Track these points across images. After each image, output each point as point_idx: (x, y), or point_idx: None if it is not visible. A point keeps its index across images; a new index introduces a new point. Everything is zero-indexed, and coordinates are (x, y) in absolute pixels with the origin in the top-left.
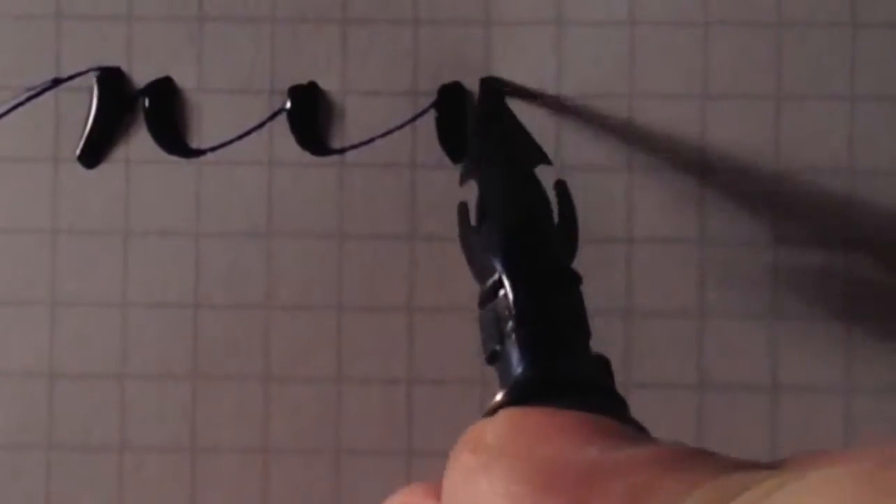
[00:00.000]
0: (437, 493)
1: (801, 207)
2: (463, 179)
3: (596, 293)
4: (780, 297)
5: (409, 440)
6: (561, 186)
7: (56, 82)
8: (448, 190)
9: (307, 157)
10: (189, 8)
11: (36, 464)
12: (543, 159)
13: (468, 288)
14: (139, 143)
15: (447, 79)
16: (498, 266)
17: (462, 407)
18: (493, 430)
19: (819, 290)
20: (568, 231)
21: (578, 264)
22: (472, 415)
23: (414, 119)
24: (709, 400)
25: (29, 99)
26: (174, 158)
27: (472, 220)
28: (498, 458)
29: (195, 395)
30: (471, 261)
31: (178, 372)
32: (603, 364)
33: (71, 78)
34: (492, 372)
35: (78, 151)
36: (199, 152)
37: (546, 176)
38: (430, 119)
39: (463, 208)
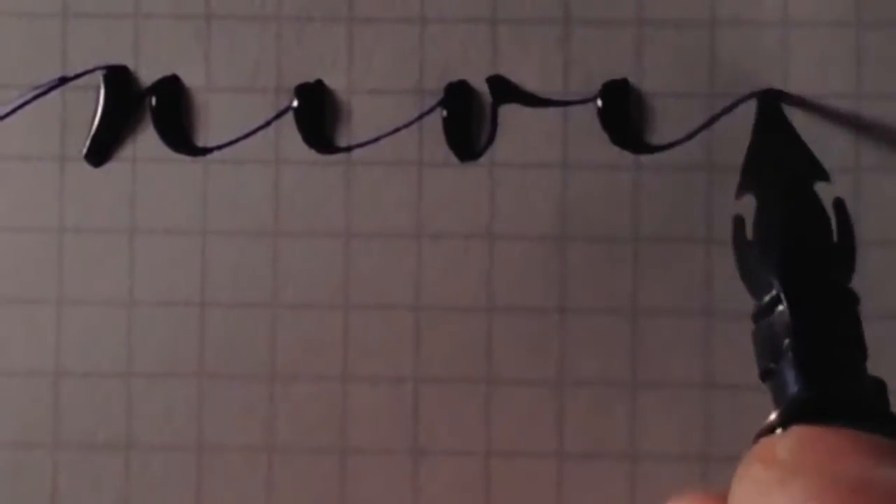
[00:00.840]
0: (714, 502)
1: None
2: (740, 192)
3: (604, 292)
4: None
5: (416, 439)
6: (839, 205)
7: (63, 81)
8: (455, 188)
9: (314, 155)
10: (196, 6)
11: (42, 462)
12: (822, 175)
13: (475, 286)
14: (146, 141)
15: (454, 77)
16: (776, 283)
17: (468, 406)
18: (785, 445)
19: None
20: (845, 250)
21: (588, 263)
22: (478, 414)
23: (420, 117)
24: (716, 400)
25: (35, 97)
26: (181, 157)
27: (749, 235)
28: (794, 473)
29: (201, 393)
30: (745, 275)
31: (184, 370)
32: (880, 387)
33: (78, 76)
34: (498, 370)
35: (84, 150)
36: (206, 151)
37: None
38: (436, 117)
39: (739, 222)
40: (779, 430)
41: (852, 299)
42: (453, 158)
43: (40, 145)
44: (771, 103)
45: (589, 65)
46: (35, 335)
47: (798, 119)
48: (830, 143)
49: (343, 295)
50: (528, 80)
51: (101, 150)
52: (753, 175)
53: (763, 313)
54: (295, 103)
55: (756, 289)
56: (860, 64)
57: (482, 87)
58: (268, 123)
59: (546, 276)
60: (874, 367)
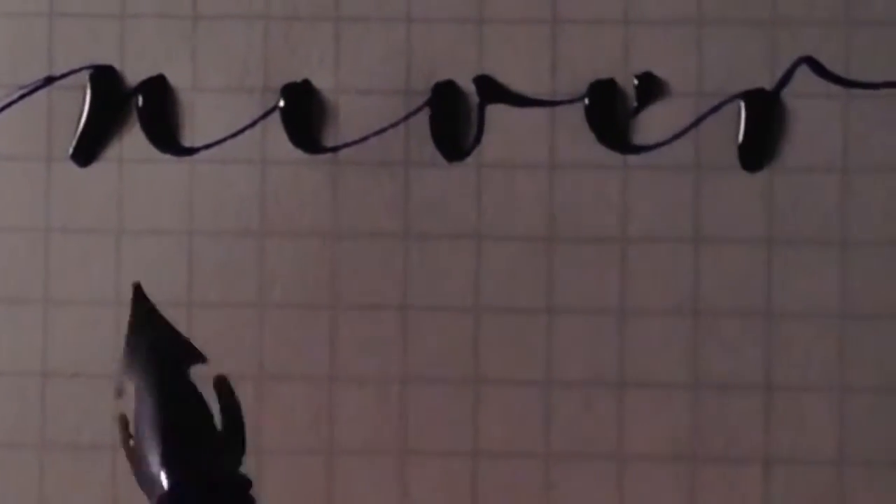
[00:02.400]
0: None
1: (796, 207)
2: (118, 392)
3: (591, 292)
4: (776, 296)
5: (403, 439)
6: (221, 383)
7: (49, 80)
8: (442, 188)
9: (300, 155)
10: (182, 6)
11: (29, 463)
12: (197, 358)
13: (462, 286)
14: (132, 141)
15: (441, 77)
16: (161, 480)
17: (456, 406)
18: None
19: (813, 290)
20: (232, 434)
21: (575, 263)
22: (465, 414)
23: (407, 117)
24: (703, 399)
25: (22, 97)
26: (167, 157)
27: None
28: None
29: None
30: (137, 475)
31: None
32: None
33: (64, 76)
34: (485, 370)
35: (71, 150)
36: (193, 150)
37: None
38: (423, 117)
39: (123, 421)
40: None
41: (243, 486)
42: (440, 158)
43: (26, 145)
44: (139, 299)
45: (576, 65)
46: (22, 335)
47: (789, 118)
48: (820, 143)
49: (330, 295)
50: (515, 80)
51: (87, 150)
52: (129, 371)
53: None
54: (281, 103)
55: (147, 488)
56: (849, 62)
57: (469, 87)
58: (254, 123)
59: (534, 277)
60: (867, 365)
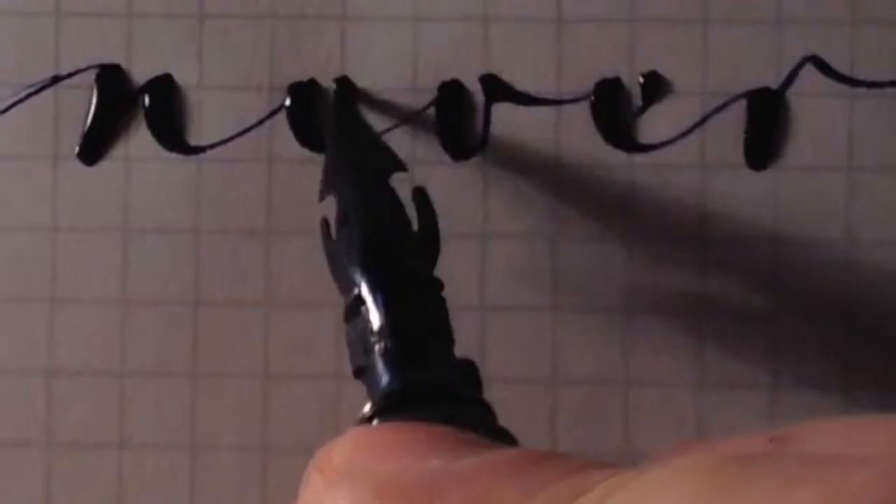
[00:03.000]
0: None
1: (801, 206)
2: (322, 194)
3: (596, 291)
4: (779, 295)
5: None
6: (419, 193)
7: (55, 80)
8: (448, 187)
9: (307, 154)
10: (189, 5)
11: (35, 462)
12: (399, 167)
13: (468, 286)
14: (139, 140)
15: (447, 76)
16: (357, 278)
17: None
18: (340, 450)
19: (819, 290)
20: (427, 237)
21: (577, 260)
22: None
23: (413, 116)
24: (709, 398)
25: (28, 96)
26: (174, 156)
27: (333, 235)
28: (343, 477)
29: (194, 392)
30: (334, 274)
31: (178, 369)
32: (469, 370)
33: (70, 75)
34: (490, 369)
35: (77, 149)
36: (199, 149)
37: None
38: (429, 116)
39: (324, 223)
40: (375, 422)
41: (433, 285)
42: (446, 157)
43: (33, 144)
44: (342, 98)
45: (581, 64)
46: (28, 334)
47: (793, 116)
48: (826, 142)
49: (336, 293)
50: (520, 78)
51: (94, 148)
52: (331, 175)
53: (351, 311)
54: (288, 102)
55: (343, 287)
56: (855, 62)
57: (475, 86)
58: (261, 122)
59: (539, 276)
60: (872, 365)
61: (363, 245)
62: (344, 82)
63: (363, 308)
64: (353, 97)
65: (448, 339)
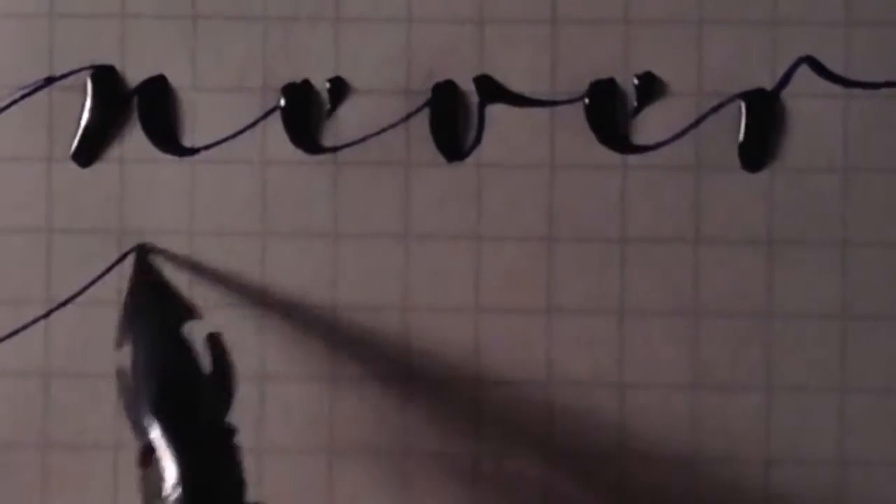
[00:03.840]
0: None
1: (796, 207)
2: (118, 343)
3: (591, 292)
4: (776, 296)
5: (404, 440)
6: (213, 339)
7: (49, 81)
8: (442, 188)
9: (301, 155)
10: (182, 6)
11: (31, 462)
12: (191, 315)
13: (462, 287)
14: (133, 141)
15: (441, 77)
16: (150, 428)
17: (457, 406)
18: None
19: (814, 290)
20: (221, 384)
21: (575, 262)
22: (466, 414)
23: (408, 117)
24: (704, 399)
25: (22, 97)
26: (168, 157)
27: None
28: None
29: None
30: (130, 420)
31: None
32: None
33: (64, 76)
34: (486, 370)
35: (72, 150)
36: (193, 151)
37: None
38: (423, 117)
39: (122, 373)
40: None
41: (225, 434)
42: (440, 158)
43: (27, 146)
44: (140, 255)
45: (576, 65)
46: (24, 335)
47: (789, 117)
48: (821, 143)
49: (331, 295)
50: (515, 80)
51: (88, 150)
52: (126, 325)
53: (145, 457)
54: (282, 103)
55: (137, 433)
56: (849, 62)
57: (469, 87)
58: (255, 123)
59: (534, 277)
60: (870, 365)
61: (155, 396)
62: (142, 246)
63: (155, 457)
64: (151, 253)
65: (240, 486)
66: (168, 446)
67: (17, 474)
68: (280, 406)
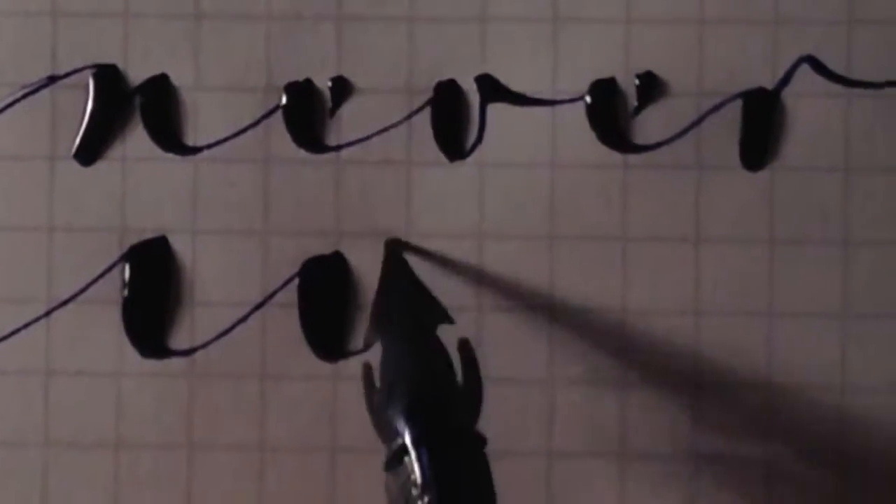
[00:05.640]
0: None
1: (797, 206)
2: (367, 341)
3: (592, 292)
4: (777, 296)
5: None
6: (464, 347)
7: (52, 80)
8: (444, 187)
9: (303, 154)
10: (185, 5)
11: (32, 461)
12: (445, 319)
13: (464, 285)
14: (135, 140)
15: (443, 76)
16: (402, 431)
17: None
18: None
19: (814, 289)
20: (471, 392)
21: (572, 260)
22: None
23: (410, 116)
24: (705, 398)
25: (25, 96)
26: (170, 156)
27: (377, 382)
28: None
29: (191, 392)
30: (377, 423)
31: (175, 369)
32: None
33: (67, 75)
34: (488, 369)
35: (74, 149)
36: (196, 150)
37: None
38: (425, 116)
39: (367, 370)
40: None
41: (479, 443)
42: (442, 158)
43: (30, 144)
44: (393, 253)
45: (577, 64)
46: (25, 334)
47: (790, 116)
48: (822, 142)
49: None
50: (516, 79)
51: (90, 149)
52: (379, 324)
53: (393, 462)
54: (284, 102)
55: (386, 436)
56: (850, 61)
57: (471, 87)
58: (257, 122)
59: (535, 276)
60: (871, 365)
61: (409, 397)
62: (395, 242)
63: (406, 459)
64: (402, 250)
65: (490, 496)
66: (420, 451)
67: (17, 473)
68: (282, 404)
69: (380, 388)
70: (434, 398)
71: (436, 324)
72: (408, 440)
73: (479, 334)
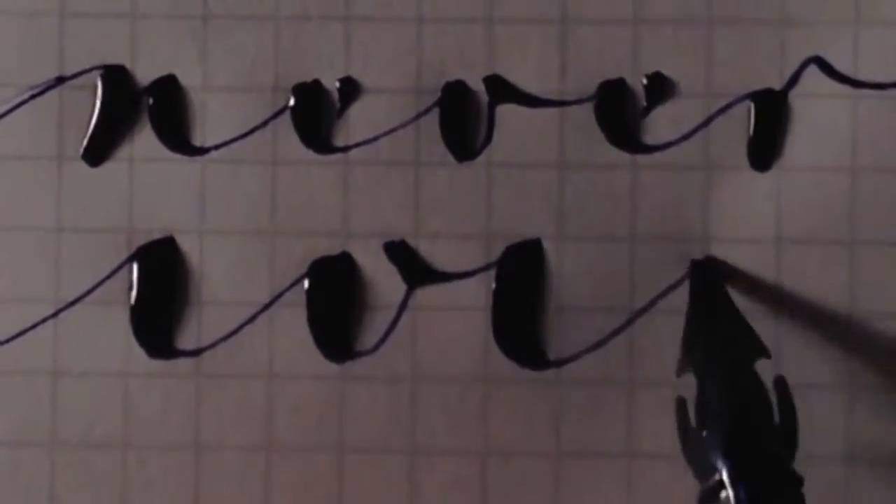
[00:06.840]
0: None
1: (804, 206)
2: (680, 371)
3: (599, 291)
4: (784, 296)
5: (413, 438)
6: (780, 383)
7: (60, 80)
8: (452, 188)
9: (311, 155)
10: (193, 6)
11: (39, 462)
12: (763, 352)
13: (471, 286)
14: (143, 141)
15: (451, 77)
16: (720, 467)
17: (466, 405)
18: None
19: (821, 290)
20: (788, 429)
21: (580, 260)
22: (475, 413)
23: (418, 117)
24: None
25: (33, 97)
26: (178, 156)
27: (692, 417)
28: None
29: (198, 392)
30: (690, 459)
31: (182, 370)
32: None
33: (75, 76)
34: (495, 369)
35: (82, 149)
36: (203, 150)
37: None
38: (433, 117)
39: (681, 404)
40: None
41: (796, 481)
42: (450, 158)
43: (37, 145)
44: (706, 275)
45: (586, 65)
46: (33, 334)
47: (798, 117)
48: (829, 143)
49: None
50: (524, 79)
51: (98, 149)
52: (694, 355)
53: (709, 497)
54: (292, 102)
55: (701, 472)
56: (858, 63)
57: (479, 87)
58: (265, 123)
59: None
60: (877, 366)
61: (727, 433)
62: (709, 259)
63: (723, 495)
64: (717, 271)
65: None
66: (738, 488)
67: (24, 473)
68: (289, 404)
69: (696, 424)
70: (752, 435)
71: (753, 358)
72: (725, 476)
73: (486, 334)
